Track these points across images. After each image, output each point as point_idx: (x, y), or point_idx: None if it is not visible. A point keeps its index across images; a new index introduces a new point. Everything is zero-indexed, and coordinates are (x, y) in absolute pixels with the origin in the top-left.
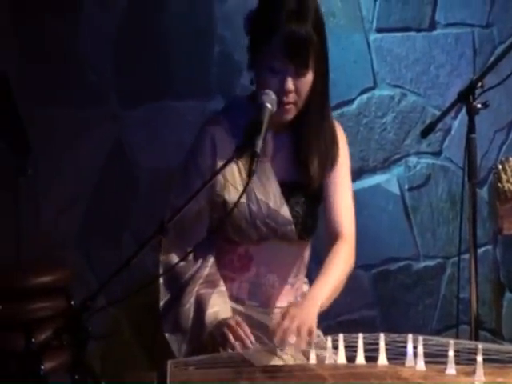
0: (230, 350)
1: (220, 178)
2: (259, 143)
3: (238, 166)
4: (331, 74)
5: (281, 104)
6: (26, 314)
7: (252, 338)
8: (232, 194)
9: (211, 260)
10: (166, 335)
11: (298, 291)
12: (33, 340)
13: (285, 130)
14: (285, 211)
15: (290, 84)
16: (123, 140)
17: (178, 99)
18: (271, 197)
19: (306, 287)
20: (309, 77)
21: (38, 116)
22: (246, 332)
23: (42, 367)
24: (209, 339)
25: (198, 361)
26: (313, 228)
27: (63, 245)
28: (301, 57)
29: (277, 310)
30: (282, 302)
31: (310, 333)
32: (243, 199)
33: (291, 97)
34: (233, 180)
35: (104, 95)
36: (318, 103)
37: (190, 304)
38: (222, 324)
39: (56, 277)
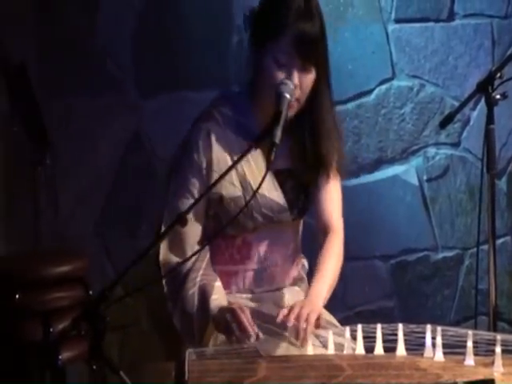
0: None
1: (215, 175)
2: (278, 133)
3: (232, 161)
4: (350, 65)
5: None
6: (44, 303)
7: (255, 327)
8: (229, 190)
9: (207, 255)
10: (178, 328)
11: (298, 265)
12: (51, 330)
13: None
14: (280, 198)
15: (296, 79)
16: (141, 130)
17: (196, 89)
18: (265, 186)
19: (304, 261)
20: (313, 73)
21: (57, 105)
22: (248, 319)
23: (60, 357)
24: (214, 325)
25: (215, 351)
26: (307, 209)
27: (81, 235)
28: (310, 54)
29: (285, 290)
30: (288, 279)
31: (318, 318)
32: (239, 192)
33: (296, 93)
34: (228, 176)
35: (123, 85)
36: (327, 97)
37: (193, 291)
38: (225, 309)
39: (74, 266)
